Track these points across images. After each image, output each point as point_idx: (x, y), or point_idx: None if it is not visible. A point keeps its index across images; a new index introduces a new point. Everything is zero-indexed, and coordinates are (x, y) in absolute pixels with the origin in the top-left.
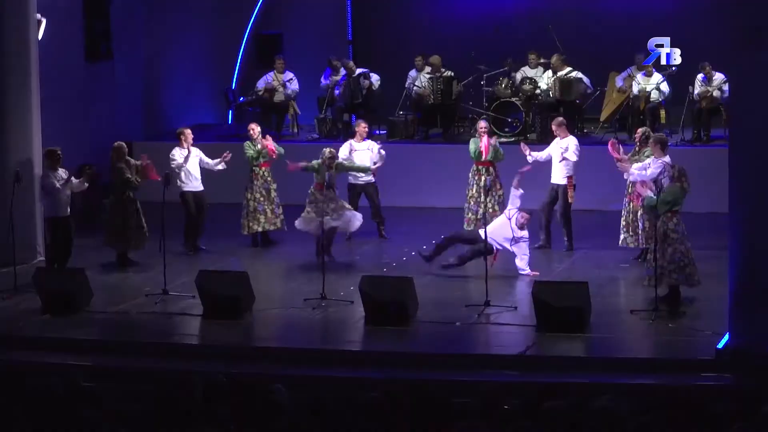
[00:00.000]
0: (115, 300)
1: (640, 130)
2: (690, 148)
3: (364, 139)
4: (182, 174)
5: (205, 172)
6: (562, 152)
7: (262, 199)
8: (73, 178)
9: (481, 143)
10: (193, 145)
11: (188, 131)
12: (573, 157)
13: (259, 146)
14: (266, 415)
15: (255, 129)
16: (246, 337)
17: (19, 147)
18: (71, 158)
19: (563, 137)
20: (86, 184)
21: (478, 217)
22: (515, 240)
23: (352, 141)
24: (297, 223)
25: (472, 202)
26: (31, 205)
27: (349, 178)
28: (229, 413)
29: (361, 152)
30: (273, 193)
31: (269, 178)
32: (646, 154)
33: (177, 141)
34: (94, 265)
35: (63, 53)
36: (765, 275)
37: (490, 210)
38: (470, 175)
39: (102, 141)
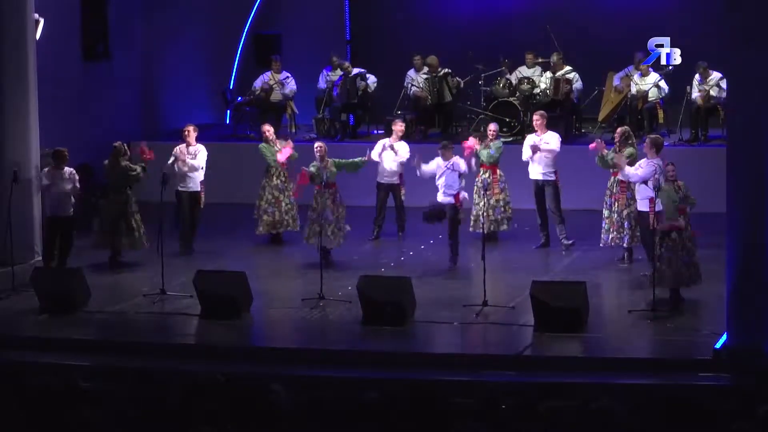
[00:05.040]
0: (113, 300)
1: (620, 130)
2: (688, 147)
3: (399, 140)
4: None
5: (211, 173)
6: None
7: (273, 201)
8: (77, 178)
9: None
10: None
11: (191, 129)
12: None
13: (277, 146)
14: (264, 415)
15: (270, 131)
16: (244, 337)
17: (17, 147)
18: (69, 158)
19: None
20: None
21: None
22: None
23: (388, 140)
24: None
25: (481, 205)
26: (29, 205)
27: (377, 176)
28: (227, 413)
29: (391, 152)
30: (287, 194)
31: (285, 180)
32: (627, 153)
33: (176, 140)
34: (91, 265)
35: (61, 53)
36: (762, 275)
37: (483, 213)
38: (479, 178)
39: (100, 140)
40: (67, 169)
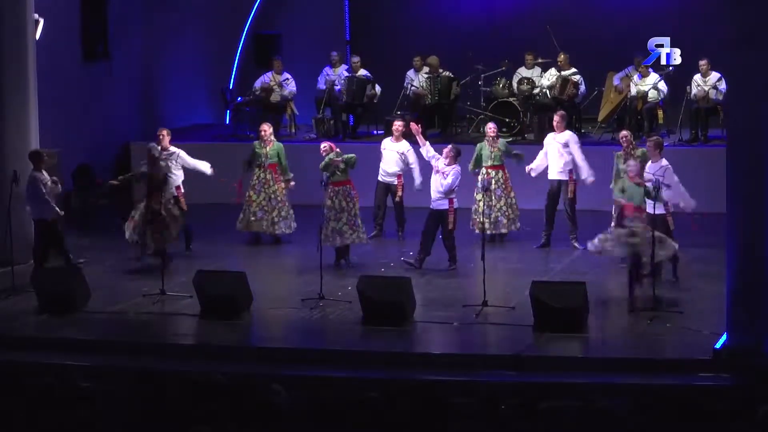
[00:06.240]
0: (113, 300)
1: (627, 134)
2: (688, 147)
3: (400, 140)
4: None
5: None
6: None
7: (247, 199)
8: (54, 179)
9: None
10: (171, 145)
11: (164, 132)
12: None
13: (267, 148)
14: (264, 415)
15: (267, 130)
16: (244, 337)
17: (17, 147)
18: (68, 158)
19: (561, 132)
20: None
21: (484, 219)
22: (444, 175)
23: (388, 139)
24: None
25: (482, 205)
26: None
27: (378, 176)
28: (227, 413)
29: (390, 152)
30: (271, 196)
31: (270, 181)
32: (640, 153)
33: (176, 141)
34: (92, 265)
35: (60, 53)
36: (762, 275)
37: (507, 213)
38: (479, 178)
39: (100, 140)
40: (45, 173)
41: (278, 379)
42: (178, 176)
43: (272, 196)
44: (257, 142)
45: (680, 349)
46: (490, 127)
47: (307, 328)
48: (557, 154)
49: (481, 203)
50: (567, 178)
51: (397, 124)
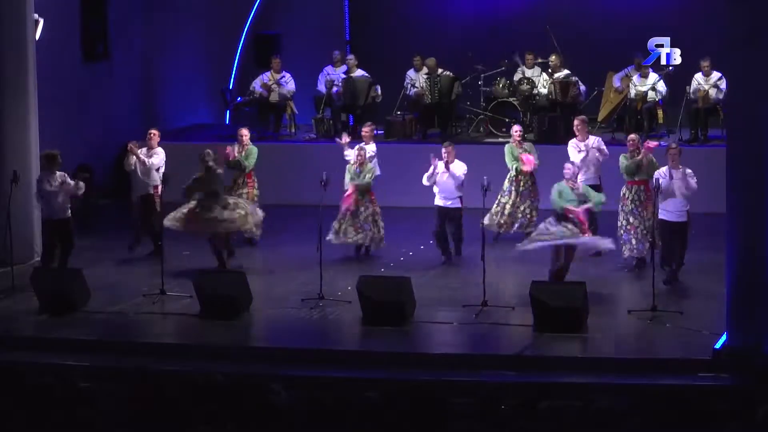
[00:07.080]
0: (113, 300)
1: (637, 137)
2: (688, 147)
3: (369, 143)
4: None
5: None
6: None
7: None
8: (69, 181)
9: (522, 157)
10: (158, 145)
11: (155, 132)
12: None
13: (242, 152)
14: (264, 415)
15: (246, 135)
16: (243, 337)
17: (17, 147)
18: (68, 158)
19: (585, 138)
20: (82, 188)
21: (505, 221)
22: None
23: (361, 144)
24: None
25: (508, 208)
26: (29, 205)
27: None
28: (227, 413)
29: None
30: (229, 200)
31: (240, 184)
32: (650, 159)
33: (175, 141)
34: (92, 265)
35: (60, 53)
36: (762, 275)
37: (528, 216)
38: (506, 181)
39: (100, 140)
40: (59, 173)
41: (278, 379)
42: (157, 177)
43: (226, 199)
44: (236, 145)
45: (680, 349)
46: (516, 131)
47: (307, 328)
48: (592, 159)
49: (507, 205)
50: (598, 183)
51: (365, 130)
